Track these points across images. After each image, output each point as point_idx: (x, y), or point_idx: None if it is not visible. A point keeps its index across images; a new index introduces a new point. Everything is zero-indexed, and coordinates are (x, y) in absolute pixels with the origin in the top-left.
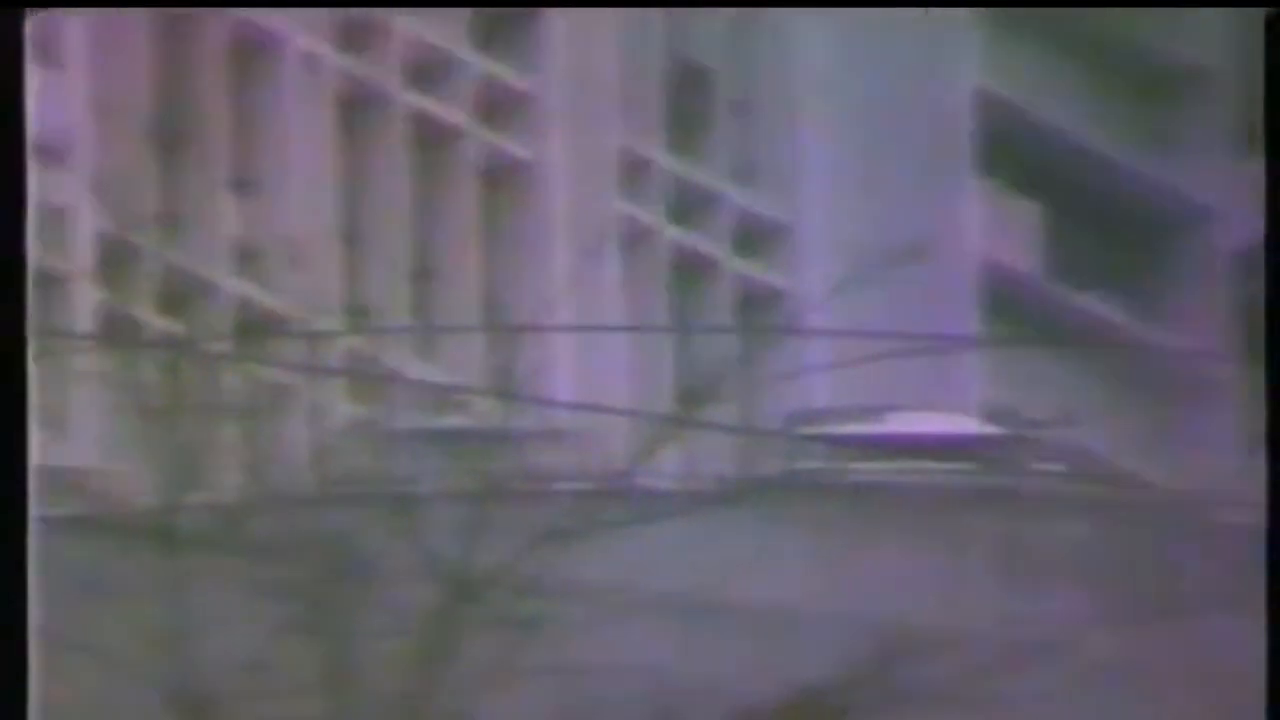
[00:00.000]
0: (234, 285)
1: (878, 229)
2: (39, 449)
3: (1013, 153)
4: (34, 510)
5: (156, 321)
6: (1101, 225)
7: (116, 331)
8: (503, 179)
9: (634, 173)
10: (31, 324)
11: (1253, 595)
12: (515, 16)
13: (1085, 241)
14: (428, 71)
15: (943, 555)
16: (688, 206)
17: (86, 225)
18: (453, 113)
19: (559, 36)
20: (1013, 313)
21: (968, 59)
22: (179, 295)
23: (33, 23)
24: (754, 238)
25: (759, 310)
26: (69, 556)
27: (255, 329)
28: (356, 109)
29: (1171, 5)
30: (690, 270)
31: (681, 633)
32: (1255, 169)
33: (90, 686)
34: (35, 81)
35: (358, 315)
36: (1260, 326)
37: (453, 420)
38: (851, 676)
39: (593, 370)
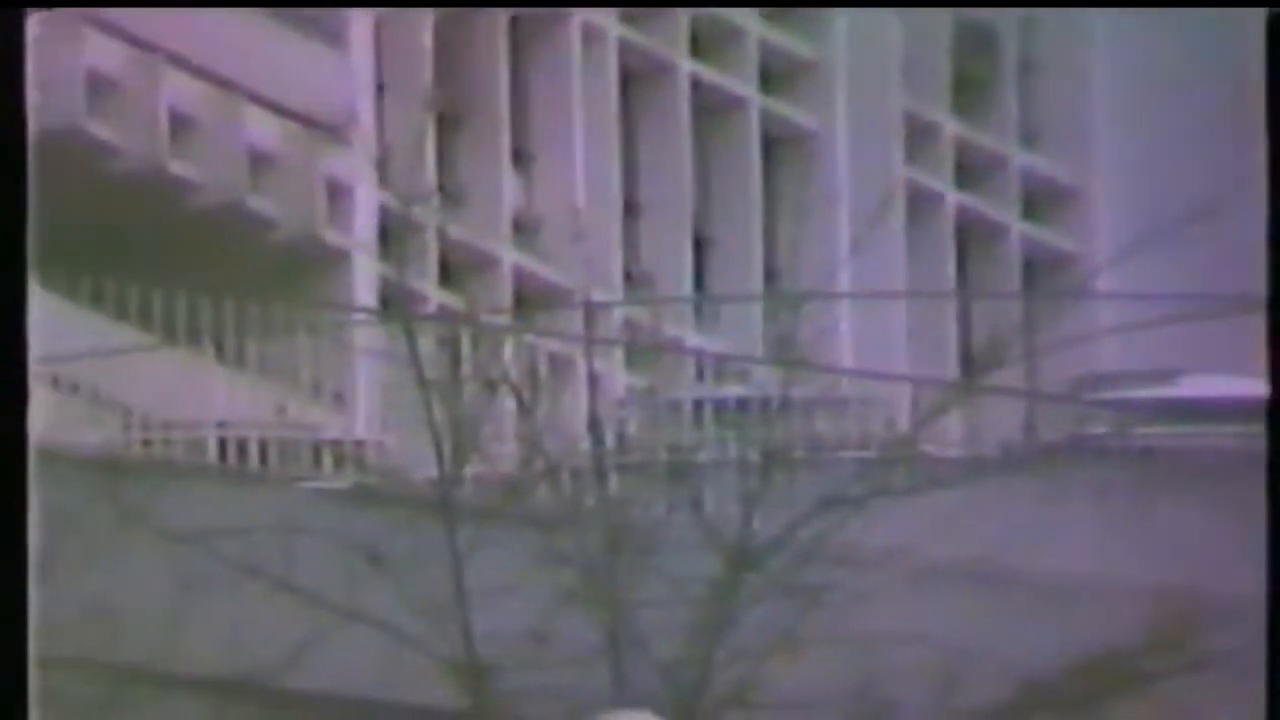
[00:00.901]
0: (514, 257)
1: (1169, 188)
2: (323, 422)
3: None
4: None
5: (436, 295)
6: None
7: (397, 305)
8: (786, 147)
9: (919, 137)
10: (309, 298)
11: None
12: None
13: None
14: (710, 42)
15: (1235, 520)
16: (974, 170)
17: (368, 201)
18: (736, 83)
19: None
20: None
21: (1260, 8)
22: (459, 268)
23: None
24: (1041, 200)
25: (1046, 274)
26: (349, 527)
27: (534, 300)
28: (638, 80)
29: (1172, 5)
30: (976, 234)
31: (966, 600)
32: None
33: (373, 655)
34: (319, 61)
35: (637, 285)
36: None
37: (733, 389)
38: (1142, 643)
39: (876, 336)
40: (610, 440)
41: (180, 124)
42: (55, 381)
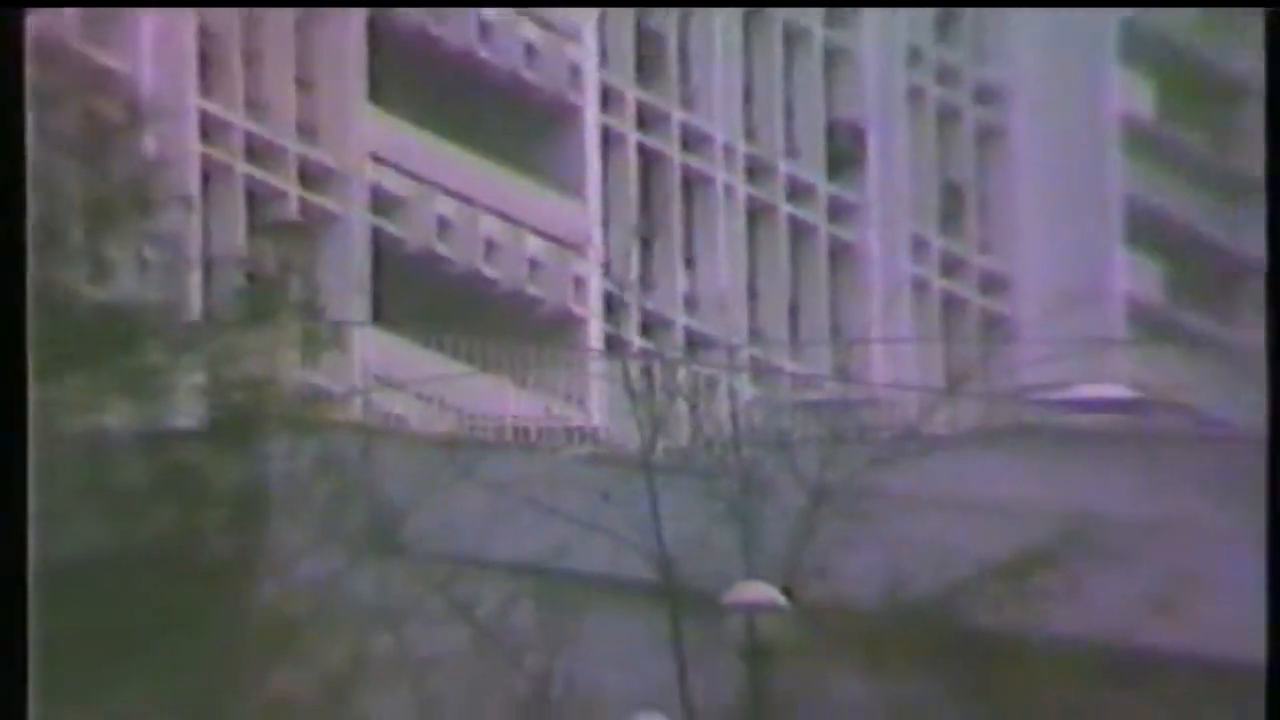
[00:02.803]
0: (684, 320)
1: (1070, 272)
2: (572, 416)
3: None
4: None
5: (639, 342)
6: None
7: (614, 348)
8: (841, 260)
9: (919, 250)
10: (562, 345)
11: None
12: (849, 166)
13: None
14: (800, 197)
15: (1107, 470)
16: (952, 267)
17: (598, 289)
18: (812, 218)
19: (876, 164)
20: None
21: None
22: (650, 327)
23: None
24: (990, 285)
25: (995, 328)
26: (589, 477)
27: (695, 345)
28: (756, 220)
29: (1172, 5)
30: (950, 306)
31: (950, 518)
32: None
33: (605, 552)
34: (569, 208)
35: (756, 336)
36: None
37: (813, 395)
38: (1053, 546)
39: (897, 364)
40: (742, 426)
41: (489, 246)
42: (420, 395)
